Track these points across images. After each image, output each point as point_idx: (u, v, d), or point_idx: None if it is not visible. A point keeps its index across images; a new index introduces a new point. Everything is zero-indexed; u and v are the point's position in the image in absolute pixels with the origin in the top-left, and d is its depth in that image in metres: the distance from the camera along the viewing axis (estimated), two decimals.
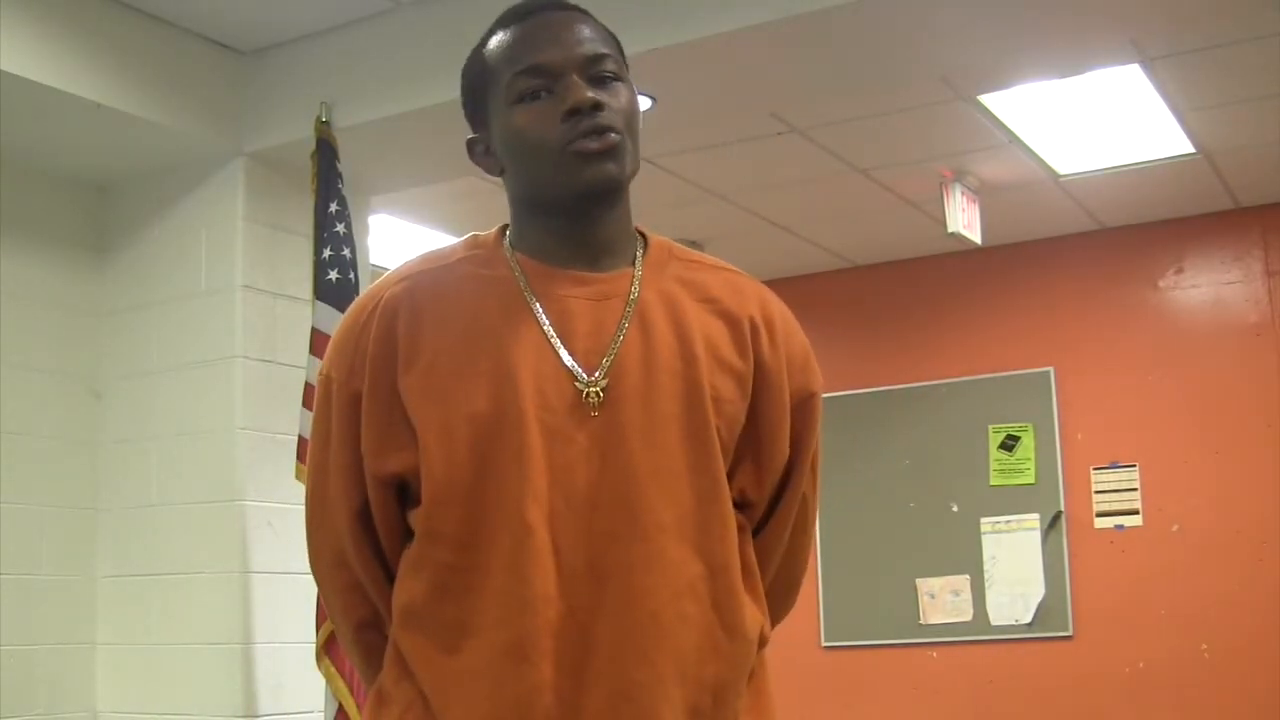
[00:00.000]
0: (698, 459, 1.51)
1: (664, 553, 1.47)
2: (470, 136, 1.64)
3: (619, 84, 1.57)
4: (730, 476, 1.55)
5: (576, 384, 1.50)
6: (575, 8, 1.62)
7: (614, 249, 1.58)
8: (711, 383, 1.52)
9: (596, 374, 1.50)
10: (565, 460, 1.48)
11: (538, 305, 1.53)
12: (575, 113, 1.51)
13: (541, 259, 1.57)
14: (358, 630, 1.61)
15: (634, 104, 1.59)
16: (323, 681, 3.56)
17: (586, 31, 1.58)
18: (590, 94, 1.52)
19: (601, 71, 1.55)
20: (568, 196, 1.54)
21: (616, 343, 1.52)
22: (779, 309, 1.64)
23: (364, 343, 1.55)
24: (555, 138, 1.52)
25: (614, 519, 1.47)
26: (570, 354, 1.51)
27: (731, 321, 1.57)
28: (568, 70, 1.54)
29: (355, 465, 1.55)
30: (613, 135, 1.52)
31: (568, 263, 1.56)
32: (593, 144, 1.51)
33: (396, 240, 5.42)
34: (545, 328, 1.52)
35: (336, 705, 3.54)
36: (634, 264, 1.59)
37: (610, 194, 1.55)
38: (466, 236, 1.64)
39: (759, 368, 1.57)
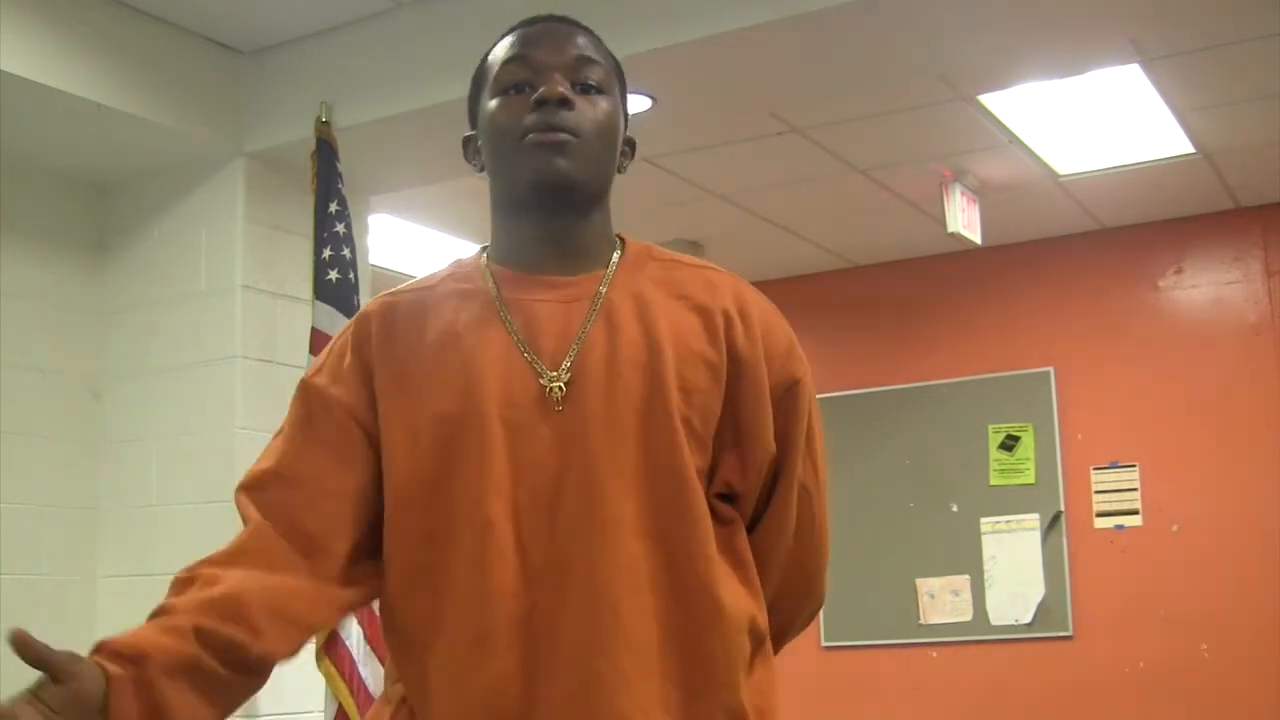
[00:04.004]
0: (659, 450, 1.50)
1: (622, 545, 1.47)
2: (466, 134, 1.67)
3: (601, 96, 1.59)
4: (714, 469, 1.55)
5: (540, 381, 1.51)
6: (580, 25, 1.65)
7: (587, 253, 1.60)
8: (680, 373, 1.52)
9: (560, 369, 1.52)
10: (530, 456, 1.49)
11: (508, 311, 1.56)
12: (543, 103, 1.54)
13: (515, 267, 1.60)
14: None
15: (612, 119, 1.60)
16: (323, 681, 3.56)
17: (582, 42, 1.61)
18: (563, 90, 1.55)
19: (586, 79, 1.59)
20: (521, 189, 1.57)
21: (579, 340, 1.53)
22: (757, 302, 1.63)
23: (342, 352, 1.61)
24: (520, 127, 1.55)
25: (575, 513, 1.48)
26: (536, 354, 1.53)
27: (704, 313, 1.57)
28: (552, 69, 1.57)
29: None
30: (564, 135, 1.54)
31: (539, 268, 1.59)
32: (543, 136, 1.54)
33: (396, 240, 5.42)
34: (513, 331, 1.54)
35: (336, 705, 3.54)
36: (607, 267, 1.60)
37: (558, 189, 1.56)
38: (453, 260, 1.68)
39: (733, 358, 1.56)
